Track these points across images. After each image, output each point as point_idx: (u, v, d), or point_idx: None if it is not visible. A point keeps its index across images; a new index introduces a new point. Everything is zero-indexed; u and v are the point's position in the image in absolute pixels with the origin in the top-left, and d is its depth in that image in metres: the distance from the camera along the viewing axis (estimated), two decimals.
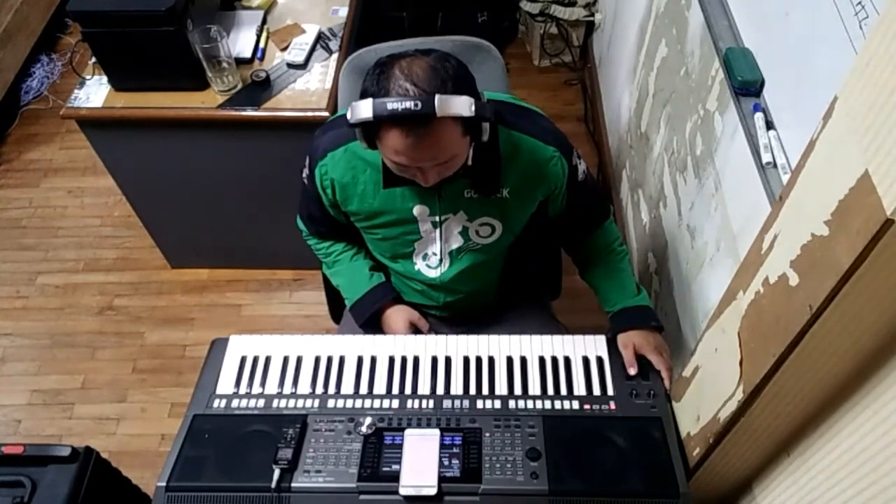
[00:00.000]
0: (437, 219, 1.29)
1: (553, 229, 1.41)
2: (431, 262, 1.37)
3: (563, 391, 1.22)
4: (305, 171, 1.32)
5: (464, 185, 1.24)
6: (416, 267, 1.38)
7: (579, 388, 1.23)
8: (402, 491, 1.08)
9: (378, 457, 1.12)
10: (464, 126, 1.06)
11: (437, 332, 1.42)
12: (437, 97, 0.99)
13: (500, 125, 1.20)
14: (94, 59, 1.88)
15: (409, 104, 0.99)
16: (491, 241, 1.33)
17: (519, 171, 1.24)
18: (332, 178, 1.27)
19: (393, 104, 0.99)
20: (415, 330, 1.43)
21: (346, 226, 1.39)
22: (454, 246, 1.33)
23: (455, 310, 1.48)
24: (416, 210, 1.27)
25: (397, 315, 1.43)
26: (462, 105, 1.02)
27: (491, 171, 1.22)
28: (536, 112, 1.29)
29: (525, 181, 1.25)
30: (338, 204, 1.31)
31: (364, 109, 1.01)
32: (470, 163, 1.16)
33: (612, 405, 1.20)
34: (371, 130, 1.07)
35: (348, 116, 1.05)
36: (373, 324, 1.45)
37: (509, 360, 1.27)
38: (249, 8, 2.05)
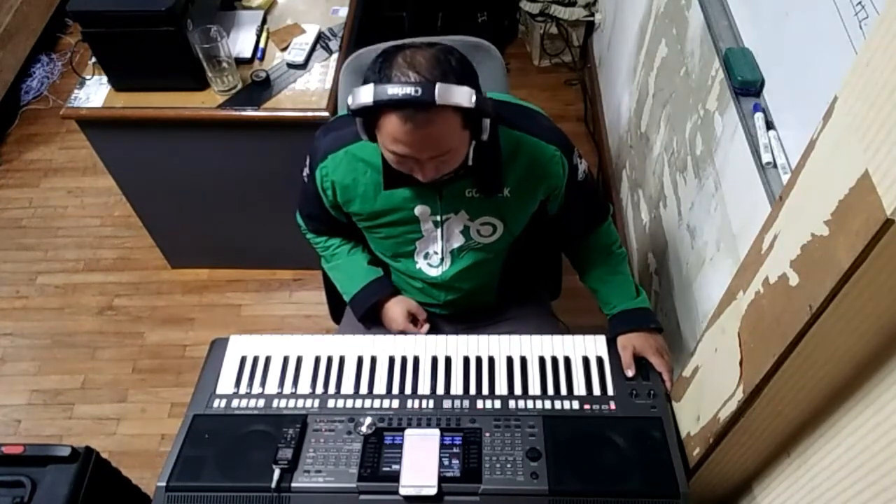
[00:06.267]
0: (438, 218, 1.29)
1: (553, 229, 1.41)
2: (433, 261, 1.37)
3: (563, 391, 1.22)
4: (306, 171, 1.32)
5: (465, 184, 1.24)
6: (418, 265, 1.38)
7: (579, 388, 1.23)
8: (402, 491, 1.08)
9: (378, 457, 1.12)
10: (463, 119, 1.06)
11: (437, 332, 1.42)
12: (437, 85, 0.99)
13: (500, 125, 1.20)
14: (94, 59, 1.88)
15: (409, 90, 0.99)
16: (492, 240, 1.33)
17: (520, 170, 1.24)
18: (333, 180, 1.27)
19: (393, 89, 1.00)
20: (413, 320, 1.43)
21: (345, 224, 1.40)
22: (455, 245, 1.34)
23: (456, 307, 1.48)
24: (418, 210, 1.27)
25: (396, 306, 1.43)
26: (462, 95, 1.02)
27: (492, 170, 1.22)
28: (537, 111, 1.30)
29: (526, 180, 1.25)
30: (339, 205, 1.31)
31: (365, 95, 1.02)
32: (471, 163, 1.16)
33: (612, 405, 1.20)
34: (371, 119, 1.07)
35: (349, 102, 1.05)
36: (371, 317, 1.45)
37: (509, 360, 1.27)
38: (249, 8, 2.05)
